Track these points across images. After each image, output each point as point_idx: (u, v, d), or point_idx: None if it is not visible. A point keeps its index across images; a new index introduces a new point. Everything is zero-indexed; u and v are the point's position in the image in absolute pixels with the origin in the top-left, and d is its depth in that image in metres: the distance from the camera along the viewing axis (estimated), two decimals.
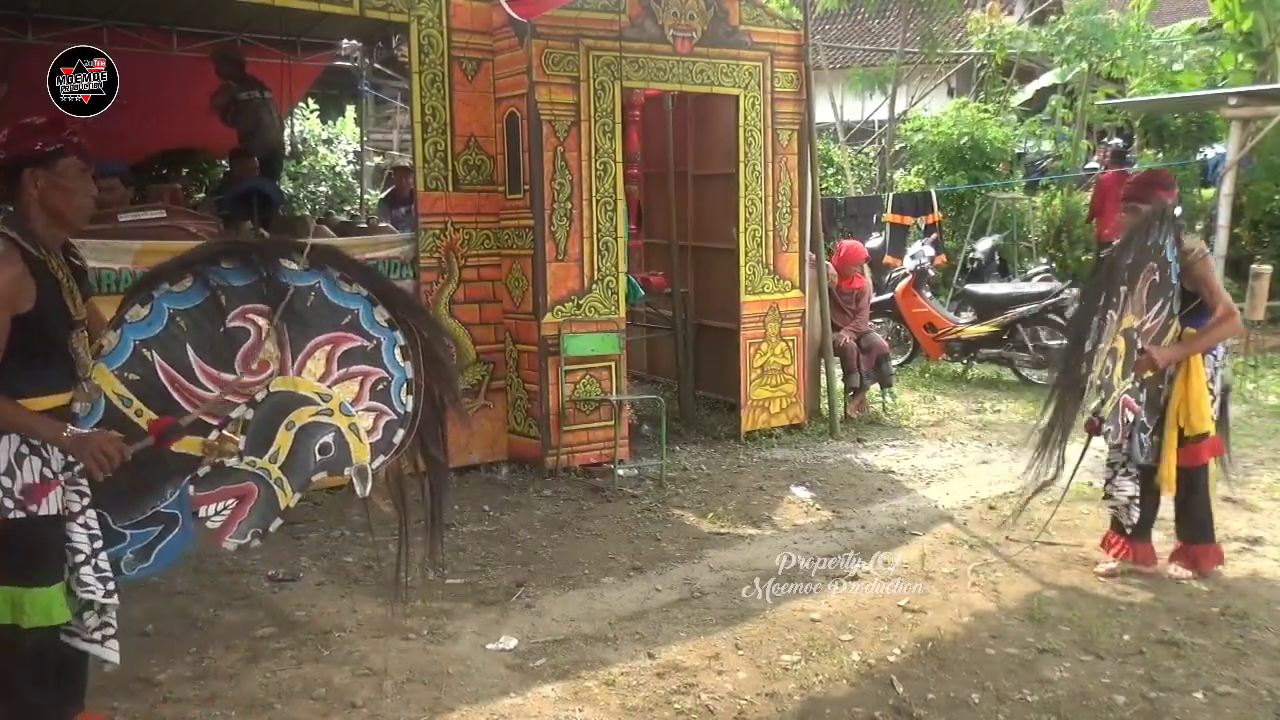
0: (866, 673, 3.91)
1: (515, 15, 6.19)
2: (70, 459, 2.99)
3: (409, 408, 3.38)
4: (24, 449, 2.90)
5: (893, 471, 6.83)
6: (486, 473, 6.72)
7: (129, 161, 8.02)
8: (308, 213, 10.19)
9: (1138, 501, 4.74)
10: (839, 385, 8.29)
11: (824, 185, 14.09)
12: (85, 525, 3.03)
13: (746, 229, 7.49)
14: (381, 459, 3.38)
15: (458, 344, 6.64)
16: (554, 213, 6.57)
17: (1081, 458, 4.78)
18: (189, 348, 3.15)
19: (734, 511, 5.93)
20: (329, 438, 3.31)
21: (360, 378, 3.32)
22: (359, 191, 12.68)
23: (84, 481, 3.02)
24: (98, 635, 3.11)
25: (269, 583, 4.80)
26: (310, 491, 5.77)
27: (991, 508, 5.94)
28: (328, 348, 3.29)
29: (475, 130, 6.67)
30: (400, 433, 3.38)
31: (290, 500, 3.31)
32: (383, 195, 11.22)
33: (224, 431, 3.18)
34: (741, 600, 4.61)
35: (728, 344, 7.75)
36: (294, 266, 3.25)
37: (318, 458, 3.32)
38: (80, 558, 3.01)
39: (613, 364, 6.85)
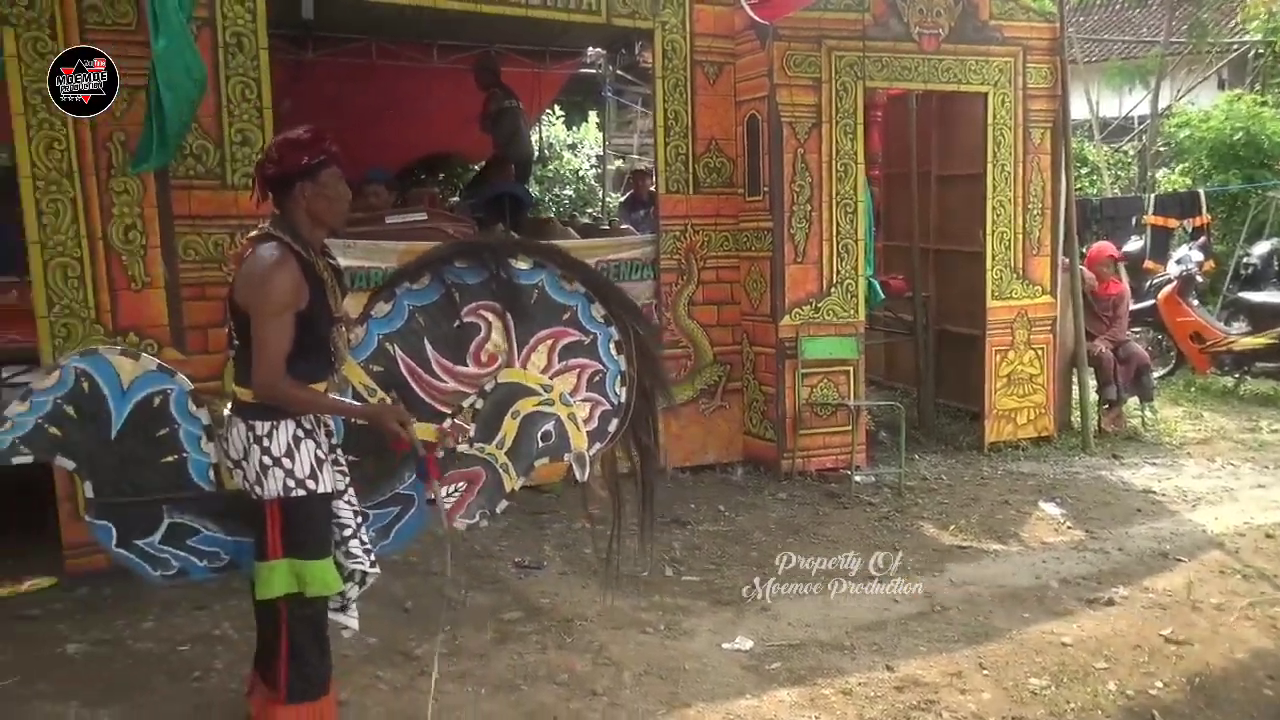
0: (1124, 704, 3.68)
1: (757, 18, 6.20)
2: (333, 442, 3.24)
3: (622, 399, 3.58)
4: (299, 433, 3.12)
5: (1153, 491, 6.39)
6: (721, 473, 6.76)
7: (392, 167, 8.52)
8: (553, 215, 10.54)
9: None
10: (1093, 397, 7.84)
11: (1078, 185, 13.33)
12: (349, 502, 3.27)
13: (994, 231, 7.21)
14: (598, 446, 3.59)
15: (695, 344, 6.73)
16: (793, 215, 6.54)
17: None
18: (427, 341, 3.41)
19: (977, 525, 5.71)
20: (550, 426, 3.52)
21: (578, 370, 3.54)
22: (600, 194, 13.04)
23: (344, 463, 3.27)
24: (345, 603, 3.35)
25: (516, 569, 5.00)
26: (552, 485, 6.07)
27: (1269, 536, 5.46)
28: (549, 342, 3.51)
29: (716, 133, 6.72)
30: (614, 422, 3.59)
31: (515, 484, 3.52)
32: (623, 198, 11.48)
33: (456, 420, 3.39)
34: (986, 617, 4.44)
35: (971, 351, 7.48)
36: (522, 265, 3.47)
37: (540, 444, 3.53)
38: (348, 531, 3.25)
39: (851, 368, 6.74)
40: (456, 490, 3.47)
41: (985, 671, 3.93)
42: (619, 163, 14.77)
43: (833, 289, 6.67)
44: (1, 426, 3.09)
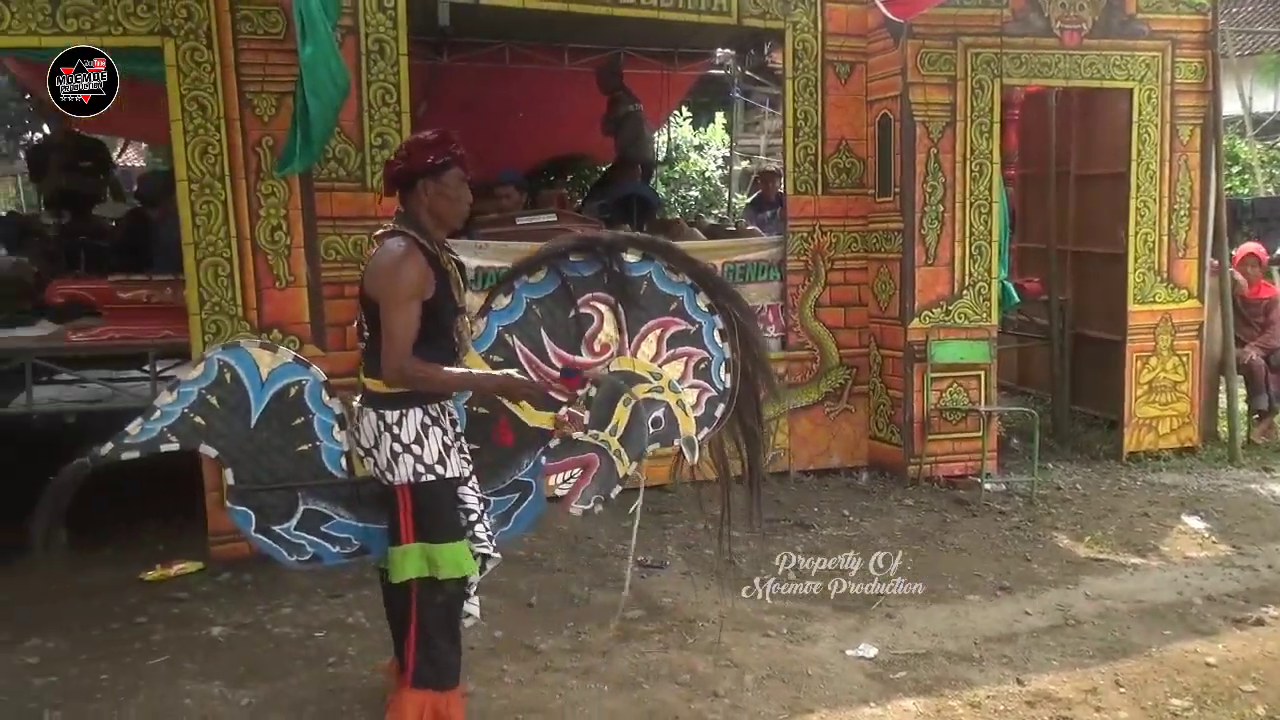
0: None
1: (891, 16, 6.10)
2: (458, 430, 3.37)
3: (727, 385, 3.71)
4: (426, 420, 3.23)
5: None
6: (846, 477, 6.68)
7: (522, 169, 8.67)
8: (679, 216, 10.57)
9: None
10: (1241, 406, 7.46)
11: (1229, 185, 12.71)
12: (473, 488, 3.39)
13: (1137, 232, 6.93)
14: (705, 432, 3.72)
15: (821, 346, 6.66)
16: (925, 215, 6.41)
17: None
18: (543, 332, 3.57)
19: (1114, 537, 5.50)
20: (660, 412, 3.66)
21: (685, 358, 3.69)
22: (726, 196, 13.02)
23: (468, 451, 3.40)
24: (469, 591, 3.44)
25: (638, 568, 5.03)
26: (675, 484, 6.10)
27: None
28: (658, 331, 3.66)
29: (846, 133, 6.64)
30: (720, 407, 3.72)
31: (628, 469, 3.66)
32: (749, 199, 11.45)
33: (571, 408, 3.48)
34: (1123, 633, 4.28)
35: (1110, 357, 7.21)
36: (631, 258, 3.61)
37: (650, 430, 3.66)
38: (474, 517, 3.36)
39: (982, 373, 6.58)
40: (571, 476, 3.64)
41: (1122, 689, 3.79)
42: (745, 164, 14.72)
43: (965, 291, 6.52)
44: (151, 416, 3.27)
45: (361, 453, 3.33)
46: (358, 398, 3.35)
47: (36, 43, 4.69)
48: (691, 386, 3.69)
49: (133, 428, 3.24)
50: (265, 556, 3.62)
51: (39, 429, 5.68)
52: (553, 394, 3.38)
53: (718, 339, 3.69)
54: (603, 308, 3.59)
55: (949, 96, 6.39)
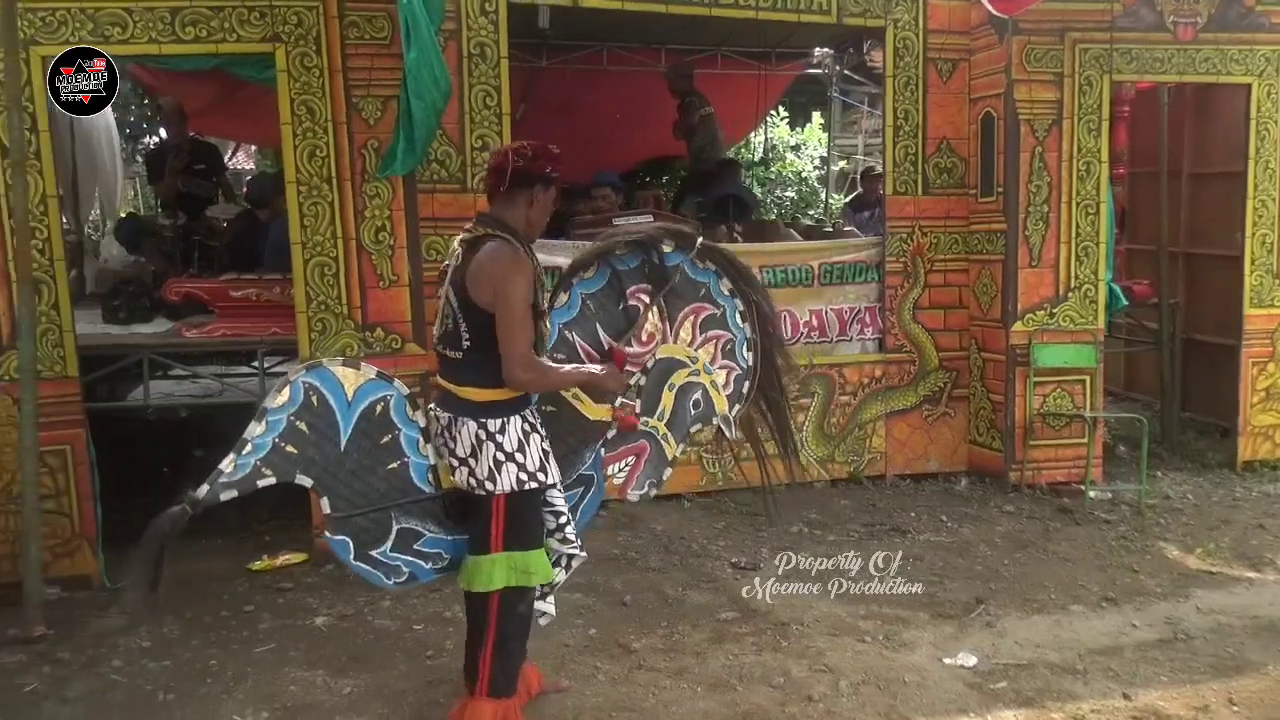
0: None
1: (996, 12, 5.97)
2: (544, 433, 3.38)
3: (750, 362, 3.86)
4: (526, 427, 3.26)
5: None
6: (944, 483, 6.56)
7: (618, 170, 8.72)
8: (775, 217, 10.51)
9: None
10: None
11: None
12: (561, 490, 3.43)
13: (1254, 233, 6.66)
14: (737, 408, 3.86)
15: (920, 349, 6.56)
16: (1029, 216, 6.26)
17: None
18: (599, 326, 3.65)
19: (1228, 549, 5.29)
20: (699, 394, 3.79)
21: (715, 340, 3.83)
22: (823, 196, 12.89)
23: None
24: (545, 591, 3.48)
25: (732, 569, 5.02)
26: (768, 487, 6.08)
27: None
28: (692, 317, 3.80)
29: (947, 132, 6.53)
30: (746, 384, 3.87)
31: (675, 451, 3.78)
32: (848, 199, 11.32)
33: (626, 400, 3.63)
34: (1236, 649, 4.12)
35: (1224, 362, 6.96)
36: (667, 248, 3.70)
37: (692, 412, 3.80)
38: (564, 518, 3.42)
39: (1088, 378, 6.40)
40: (626, 465, 3.73)
41: (1236, 708, 3.65)
42: (843, 164, 14.55)
43: (1070, 294, 6.35)
44: (243, 450, 3.10)
45: (455, 463, 3.30)
46: (437, 408, 3.34)
47: (156, 50, 4.88)
48: (721, 367, 3.84)
49: (226, 465, 3.09)
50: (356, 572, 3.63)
51: (153, 421, 5.88)
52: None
53: (739, 320, 3.84)
54: (645, 297, 3.70)
55: (1055, 94, 6.23)
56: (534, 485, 3.26)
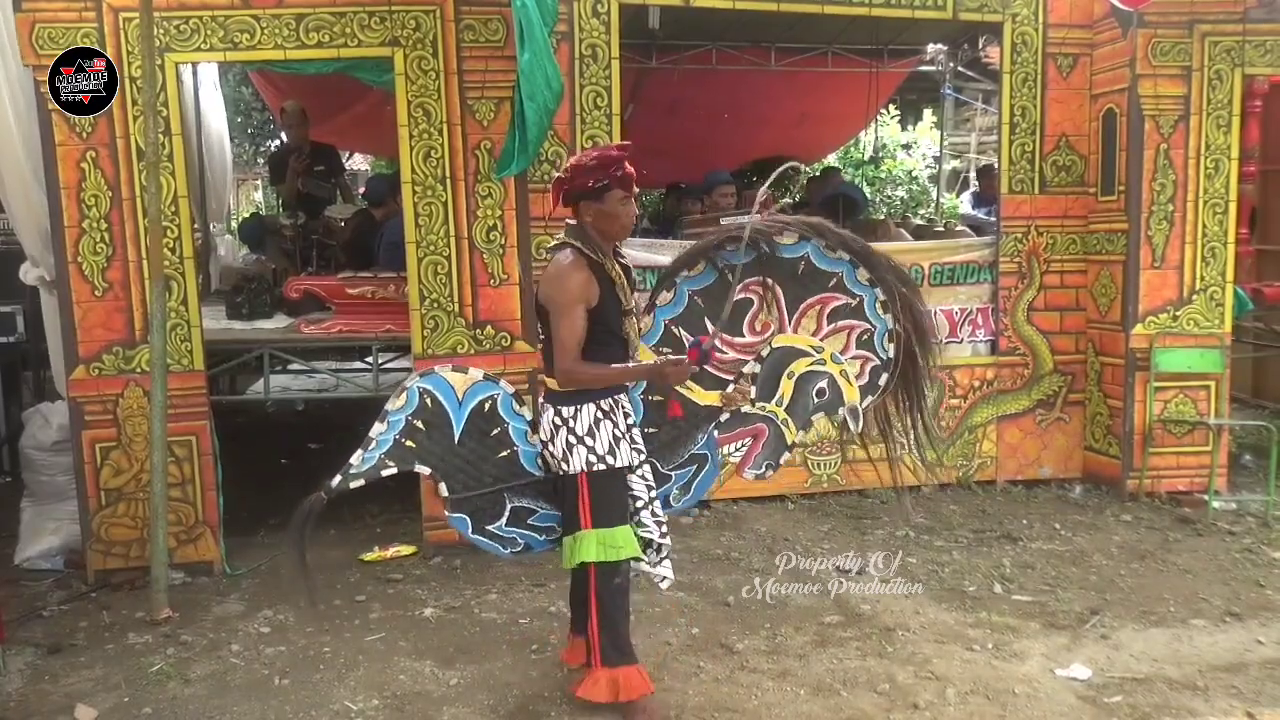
0: None
1: (1120, 6, 5.80)
2: (630, 422, 3.60)
3: (890, 354, 3.87)
4: (599, 414, 3.50)
5: None
6: (1058, 489, 6.39)
7: (727, 169, 8.69)
8: (885, 216, 10.36)
9: None
10: None
11: None
12: (642, 477, 3.65)
13: None
14: (869, 399, 3.90)
15: (1034, 352, 6.40)
16: (1152, 215, 6.05)
17: None
18: (706, 320, 3.78)
19: None
20: (824, 383, 3.87)
21: (848, 330, 3.87)
22: (935, 195, 12.66)
23: (640, 442, 3.65)
24: (659, 560, 3.69)
25: (837, 573, 4.97)
26: (877, 491, 6.01)
27: None
28: (817, 307, 3.86)
29: (1066, 129, 6.35)
30: (884, 376, 3.89)
31: (795, 436, 3.89)
32: (970, 193, 11.10)
33: (737, 385, 3.79)
34: None
35: None
36: (786, 241, 3.79)
37: (815, 400, 3.89)
38: (640, 504, 3.62)
39: (1212, 384, 6.15)
40: (742, 445, 3.88)
41: None
42: (955, 163, 14.26)
43: (1195, 296, 6.11)
44: (369, 447, 3.57)
45: (540, 446, 3.65)
46: (542, 396, 3.66)
47: (281, 56, 5.05)
48: (854, 356, 3.87)
49: (355, 459, 3.55)
50: (474, 544, 3.80)
51: (271, 414, 6.09)
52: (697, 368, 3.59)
53: (879, 310, 3.85)
54: (760, 290, 3.82)
55: (1183, 89, 6.00)
56: (603, 467, 3.48)
